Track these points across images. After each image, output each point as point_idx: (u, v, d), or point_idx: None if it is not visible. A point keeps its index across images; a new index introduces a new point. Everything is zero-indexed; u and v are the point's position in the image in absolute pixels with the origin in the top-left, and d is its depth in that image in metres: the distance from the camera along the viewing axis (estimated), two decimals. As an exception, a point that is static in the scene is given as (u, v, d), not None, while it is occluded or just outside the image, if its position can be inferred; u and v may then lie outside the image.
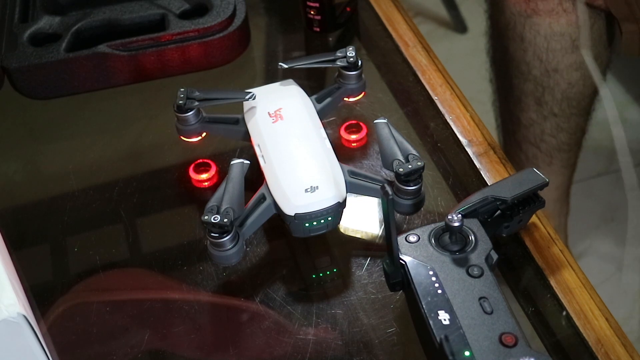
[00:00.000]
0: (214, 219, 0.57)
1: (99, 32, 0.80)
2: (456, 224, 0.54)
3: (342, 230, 0.68)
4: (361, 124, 0.74)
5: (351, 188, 0.62)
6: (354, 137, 0.73)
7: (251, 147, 0.66)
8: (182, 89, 0.68)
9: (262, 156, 0.64)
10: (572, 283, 0.61)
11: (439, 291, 0.52)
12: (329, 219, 0.60)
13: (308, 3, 0.82)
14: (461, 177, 0.71)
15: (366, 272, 0.64)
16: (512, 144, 1.17)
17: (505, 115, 1.18)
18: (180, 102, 0.67)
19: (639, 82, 1.67)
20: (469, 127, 0.74)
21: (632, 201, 1.28)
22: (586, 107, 1.11)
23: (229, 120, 0.70)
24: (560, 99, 1.07)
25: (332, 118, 0.75)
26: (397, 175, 0.60)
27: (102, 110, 0.81)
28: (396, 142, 0.61)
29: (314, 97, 0.70)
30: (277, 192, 0.61)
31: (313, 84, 0.80)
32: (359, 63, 0.70)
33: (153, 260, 0.67)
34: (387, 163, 0.61)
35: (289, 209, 0.60)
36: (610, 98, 1.31)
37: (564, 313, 0.60)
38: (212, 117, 0.70)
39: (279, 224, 0.63)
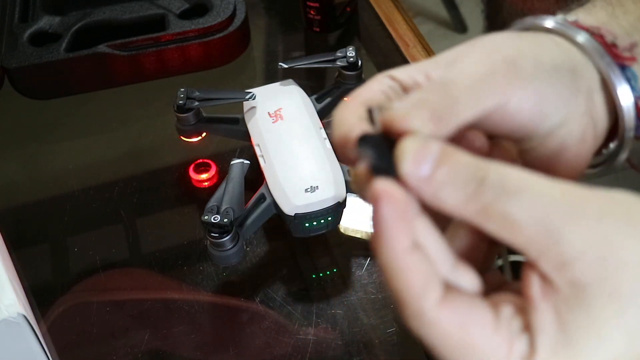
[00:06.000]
0: (214, 219, 0.57)
1: (99, 32, 0.80)
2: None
3: (342, 230, 0.68)
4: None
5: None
6: (354, 137, 0.73)
7: (251, 147, 0.66)
8: (182, 89, 0.68)
9: (262, 156, 0.64)
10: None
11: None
12: (329, 219, 0.60)
13: (308, 3, 0.82)
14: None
15: (366, 272, 0.64)
16: None
17: None
18: (180, 102, 0.67)
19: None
20: (469, 127, 0.74)
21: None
22: None
23: (229, 120, 0.70)
24: None
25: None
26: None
27: (102, 110, 0.81)
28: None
29: (314, 97, 0.70)
30: (277, 192, 0.61)
31: (313, 84, 0.80)
32: (359, 63, 0.70)
33: (153, 260, 0.67)
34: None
35: (289, 209, 0.60)
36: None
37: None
38: (212, 117, 0.70)
39: (279, 224, 0.63)
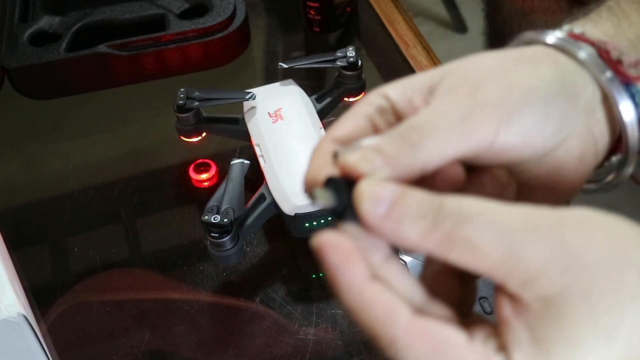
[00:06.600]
0: (214, 219, 0.57)
1: (99, 32, 0.80)
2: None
3: (342, 230, 0.68)
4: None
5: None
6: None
7: (251, 147, 0.66)
8: (182, 89, 0.68)
9: (262, 156, 0.64)
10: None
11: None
12: (329, 219, 0.60)
13: (308, 3, 0.82)
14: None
15: (366, 272, 0.64)
16: None
17: None
18: (180, 102, 0.67)
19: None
20: (469, 127, 0.74)
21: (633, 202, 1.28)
22: None
23: (229, 120, 0.70)
24: None
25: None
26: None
27: (102, 110, 0.81)
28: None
29: (314, 97, 0.70)
30: (277, 192, 0.61)
31: (313, 84, 0.80)
32: (359, 63, 0.70)
33: (153, 260, 0.67)
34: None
35: (289, 209, 0.60)
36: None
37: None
38: (212, 117, 0.70)
39: (279, 224, 0.63)
